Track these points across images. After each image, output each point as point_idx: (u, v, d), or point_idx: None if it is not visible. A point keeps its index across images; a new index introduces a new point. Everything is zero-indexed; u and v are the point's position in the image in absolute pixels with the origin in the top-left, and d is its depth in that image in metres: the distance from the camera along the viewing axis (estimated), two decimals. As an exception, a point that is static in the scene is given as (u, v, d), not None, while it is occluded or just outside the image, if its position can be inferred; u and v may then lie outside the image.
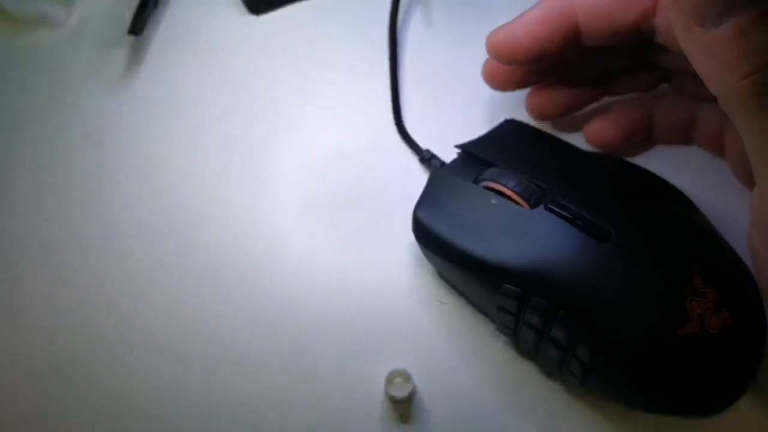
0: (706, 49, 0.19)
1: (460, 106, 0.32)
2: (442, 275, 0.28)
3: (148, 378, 0.27)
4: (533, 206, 0.24)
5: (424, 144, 0.31)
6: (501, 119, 0.29)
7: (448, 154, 0.29)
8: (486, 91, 0.29)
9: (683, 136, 0.29)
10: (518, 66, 0.27)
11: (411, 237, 0.27)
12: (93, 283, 0.29)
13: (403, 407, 0.26)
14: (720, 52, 0.18)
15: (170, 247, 0.30)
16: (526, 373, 0.26)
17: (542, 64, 0.27)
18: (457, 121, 0.31)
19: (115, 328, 0.28)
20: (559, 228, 0.23)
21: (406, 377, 0.26)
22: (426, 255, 0.27)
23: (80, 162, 0.32)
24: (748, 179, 0.26)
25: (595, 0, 0.24)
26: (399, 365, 0.26)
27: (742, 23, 0.18)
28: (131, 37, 0.34)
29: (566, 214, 0.23)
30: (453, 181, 0.26)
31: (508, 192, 0.25)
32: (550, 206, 0.24)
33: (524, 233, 0.24)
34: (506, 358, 0.26)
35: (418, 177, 0.30)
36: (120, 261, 0.29)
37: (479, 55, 0.28)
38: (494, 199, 0.25)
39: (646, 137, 0.29)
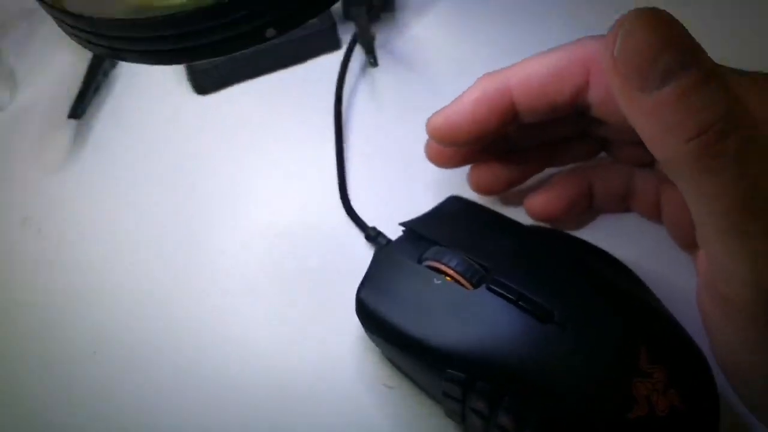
0: (649, 113, 0.18)
1: (406, 182, 0.31)
2: (388, 358, 0.27)
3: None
4: (476, 286, 0.24)
5: (370, 221, 0.30)
6: (447, 195, 0.29)
7: (395, 230, 0.28)
8: (431, 166, 0.29)
9: (622, 204, 0.29)
10: (459, 147, 0.27)
11: (357, 319, 0.26)
12: (29, 366, 0.28)
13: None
14: (663, 116, 0.18)
15: (109, 331, 0.29)
16: (477, 460, 0.25)
17: (483, 142, 0.27)
18: (403, 198, 0.31)
19: (42, 415, 0.27)
20: (501, 309, 0.23)
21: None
22: (370, 337, 0.26)
23: (18, 247, 0.31)
24: (687, 243, 0.26)
25: (528, 79, 0.24)
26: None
27: (684, 86, 0.18)
28: (74, 121, 0.34)
29: (508, 295, 0.23)
30: (396, 261, 0.26)
31: (451, 272, 0.24)
32: (491, 286, 0.23)
33: (466, 315, 0.23)
34: (456, 446, 0.25)
35: (365, 255, 0.29)
36: (58, 347, 0.28)
37: (424, 131, 0.28)
38: (437, 279, 0.24)
39: (586, 207, 0.29)
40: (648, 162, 0.27)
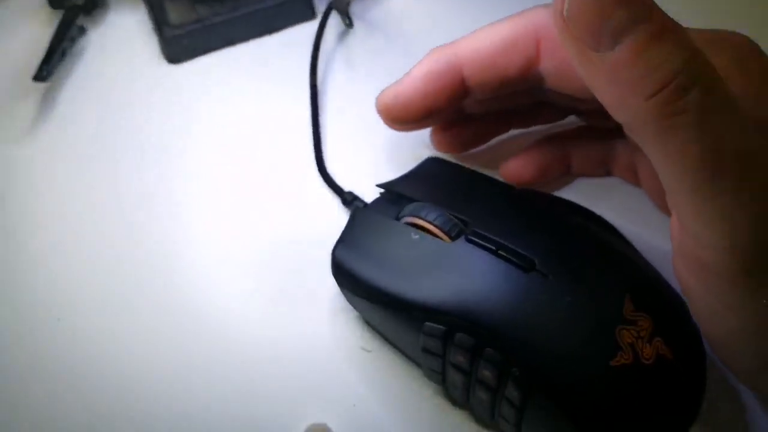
0: (606, 75, 0.17)
1: (383, 147, 0.31)
2: (366, 320, 0.26)
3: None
4: (455, 239, 0.23)
5: (347, 186, 0.29)
6: (424, 157, 0.28)
7: (372, 197, 0.28)
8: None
9: (602, 168, 0.28)
10: (411, 125, 0.27)
11: (334, 283, 0.25)
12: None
13: (324, 467, 0.23)
14: (620, 76, 0.17)
15: (74, 298, 0.27)
16: (458, 423, 0.24)
17: (436, 118, 0.27)
18: (380, 163, 0.30)
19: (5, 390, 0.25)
20: (481, 259, 0.22)
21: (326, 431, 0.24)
22: (347, 297, 0.25)
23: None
24: (666, 207, 0.26)
25: (477, 52, 0.23)
26: (319, 419, 0.24)
27: (639, 41, 0.17)
28: (41, 87, 0.32)
29: (488, 245, 0.22)
30: (373, 219, 0.25)
31: (429, 226, 0.24)
32: (471, 237, 0.23)
33: (445, 267, 0.22)
34: (436, 407, 0.24)
35: (342, 220, 0.28)
36: (20, 318, 0.27)
37: None
38: (414, 234, 0.24)
39: (563, 171, 0.29)
40: (618, 127, 0.26)
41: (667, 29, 0.17)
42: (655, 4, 0.17)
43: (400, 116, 0.24)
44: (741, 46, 0.20)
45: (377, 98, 0.25)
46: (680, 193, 0.18)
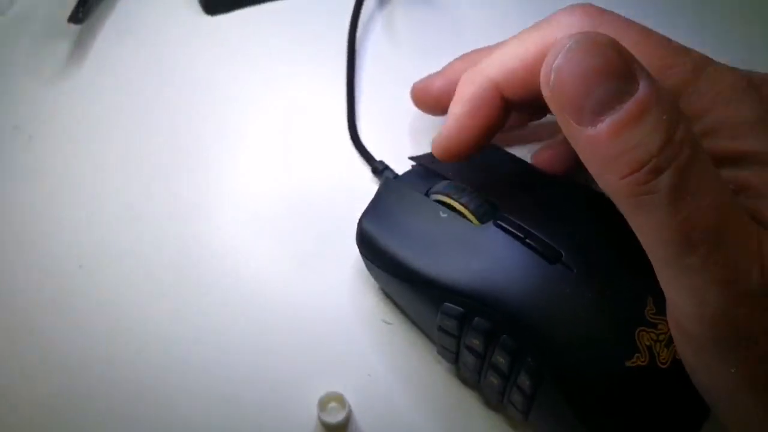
0: (586, 148, 0.18)
1: (418, 118, 0.30)
2: (386, 293, 0.26)
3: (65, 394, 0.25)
4: (483, 222, 0.23)
5: (378, 156, 0.29)
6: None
7: (404, 168, 0.27)
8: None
9: None
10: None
11: (358, 252, 0.25)
12: (9, 284, 0.27)
13: (336, 433, 0.24)
14: (598, 152, 0.18)
15: (96, 249, 0.28)
16: (467, 402, 0.24)
17: (491, 137, 0.26)
18: (414, 134, 0.30)
19: (31, 338, 0.26)
20: (507, 246, 0.22)
21: (341, 401, 0.24)
22: (369, 268, 0.25)
23: (7, 154, 0.30)
24: None
25: (511, 73, 0.23)
26: (335, 388, 0.24)
27: (617, 123, 0.17)
28: (76, 29, 0.32)
29: (516, 232, 0.22)
30: (403, 192, 0.25)
31: (458, 206, 0.23)
32: (500, 223, 0.22)
33: (471, 249, 0.22)
34: (447, 385, 0.25)
35: (371, 189, 0.28)
36: (42, 262, 0.27)
37: (440, 68, 0.28)
38: (443, 213, 0.23)
39: None
40: None
41: (646, 108, 0.17)
42: (643, 73, 0.17)
43: (461, 155, 0.24)
44: None
45: (433, 145, 0.24)
46: (655, 262, 0.19)
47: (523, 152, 0.28)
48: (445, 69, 0.28)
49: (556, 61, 0.18)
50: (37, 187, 0.29)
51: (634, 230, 0.19)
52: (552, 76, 0.18)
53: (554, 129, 0.28)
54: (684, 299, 0.18)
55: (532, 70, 0.22)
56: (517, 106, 0.24)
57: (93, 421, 0.24)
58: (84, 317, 0.26)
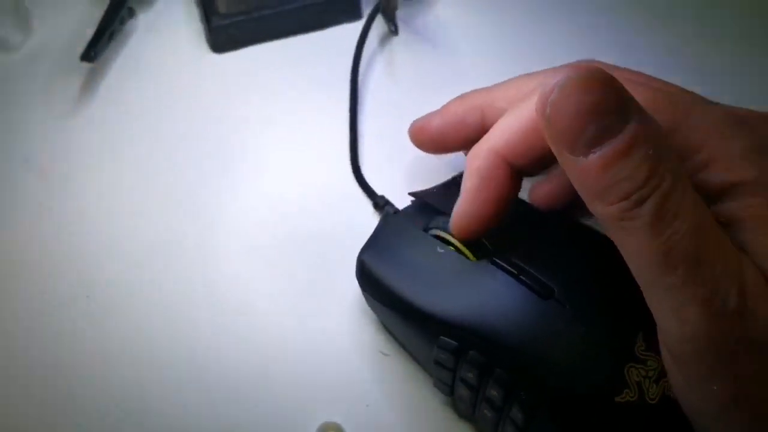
0: (579, 174, 0.19)
1: (419, 155, 0.31)
2: (384, 324, 0.27)
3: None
4: (479, 258, 0.24)
5: (380, 191, 0.30)
6: (459, 169, 0.29)
7: (404, 203, 0.28)
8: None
9: None
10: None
11: (358, 285, 0.26)
12: (19, 314, 0.28)
13: (333, 463, 0.24)
14: (587, 181, 0.19)
15: (103, 277, 0.28)
16: (462, 434, 0.25)
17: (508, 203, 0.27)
18: (414, 170, 0.31)
19: (34, 365, 0.26)
20: (502, 282, 0.23)
21: (339, 430, 0.24)
22: (368, 301, 0.26)
23: (17, 187, 0.31)
24: None
25: (513, 144, 0.23)
26: (333, 417, 0.25)
27: (607, 156, 0.18)
28: (87, 67, 0.33)
29: (510, 269, 0.23)
30: (402, 227, 0.26)
31: (455, 241, 0.24)
32: (495, 259, 0.23)
33: (466, 285, 0.23)
34: (443, 417, 0.25)
35: (372, 224, 0.29)
36: (49, 292, 0.28)
37: (439, 106, 0.28)
38: (440, 248, 0.24)
39: None
40: None
41: (634, 144, 0.18)
42: (634, 108, 0.18)
43: (480, 229, 0.24)
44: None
45: (451, 225, 0.25)
46: (642, 285, 0.20)
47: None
48: (442, 109, 0.29)
49: (551, 96, 0.19)
50: (47, 219, 0.30)
51: (622, 253, 0.20)
52: (548, 110, 0.19)
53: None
54: (668, 320, 0.19)
55: (532, 137, 0.23)
56: (527, 171, 0.24)
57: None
58: (91, 346, 0.27)
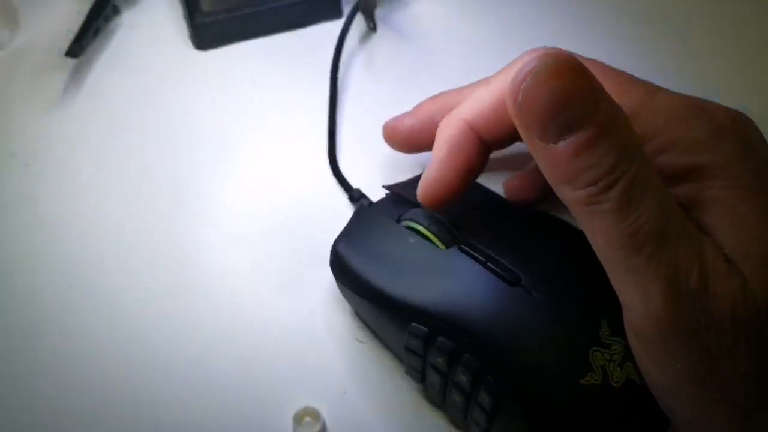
0: (548, 160, 0.20)
1: (394, 151, 0.32)
2: (357, 313, 0.27)
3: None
4: (448, 246, 0.24)
5: (355, 184, 0.31)
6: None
7: (378, 195, 0.29)
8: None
9: None
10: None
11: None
12: (2, 304, 0.28)
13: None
14: (557, 166, 0.19)
15: (87, 268, 0.29)
16: (433, 420, 0.25)
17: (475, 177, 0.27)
18: (389, 165, 0.32)
19: (18, 355, 0.27)
20: (470, 269, 0.23)
21: (316, 415, 0.25)
22: (342, 291, 0.27)
23: (3, 180, 0.31)
24: None
25: (484, 115, 0.24)
26: (311, 403, 0.25)
27: (577, 143, 0.19)
28: (72, 63, 0.34)
29: (478, 256, 0.23)
30: (375, 219, 0.26)
31: (426, 232, 0.25)
32: (464, 247, 0.24)
33: (436, 273, 0.23)
34: (415, 403, 0.26)
35: (346, 215, 0.30)
36: (34, 283, 0.28)
37: (416, 103, 0.29)
38: (411, 238, 0.25)
39: None
40: None
41: (604, 131, 0.19)
42: (604, 98, 0.19)
43: (446, 198, 0.25)
44: (726, 122, 0.22)
45: (419, 194, 0.25)
46: (607, 266, 0.20)
47: (496, 179, 0.30)
48: (414, 109, 0.29)
49: (524, 84, 0.19)
50: (32, 211, 0.30)
51: (588, 236, 0.20)
52: (519, 97, 0.19)
53: (525, 159, 0.30)
54: (633, 299, 0.20)
55: (503, 110, 0.23)
56: (495, 145, 0.25)
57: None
58: (74, 335, 0.27)
